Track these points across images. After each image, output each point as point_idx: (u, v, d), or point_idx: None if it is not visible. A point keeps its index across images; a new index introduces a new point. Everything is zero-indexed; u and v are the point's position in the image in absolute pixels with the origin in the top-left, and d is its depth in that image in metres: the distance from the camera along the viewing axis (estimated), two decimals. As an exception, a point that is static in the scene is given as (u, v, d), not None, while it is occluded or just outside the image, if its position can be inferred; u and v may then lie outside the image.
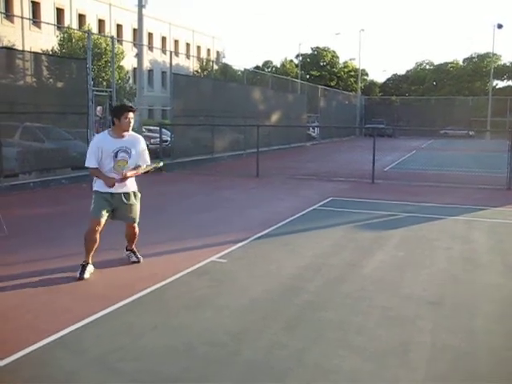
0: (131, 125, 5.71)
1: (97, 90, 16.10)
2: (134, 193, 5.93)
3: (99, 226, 5.69)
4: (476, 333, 4.44)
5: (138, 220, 6.00)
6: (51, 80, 15.22)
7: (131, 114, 5.66)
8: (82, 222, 8.66)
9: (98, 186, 5.76)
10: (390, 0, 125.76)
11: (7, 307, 4.81)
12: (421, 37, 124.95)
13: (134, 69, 36.87)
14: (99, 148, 5.67)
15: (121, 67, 34.24)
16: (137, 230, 6.08)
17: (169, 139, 19.05)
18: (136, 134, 5.94)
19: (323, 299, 5.17)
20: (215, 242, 7.29)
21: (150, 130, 22.02)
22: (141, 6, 19.07)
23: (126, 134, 5.73)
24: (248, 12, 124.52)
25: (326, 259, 6.62)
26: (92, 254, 5.77)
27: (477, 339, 4.31)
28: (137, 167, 5.84)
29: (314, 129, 36.53)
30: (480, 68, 65.22)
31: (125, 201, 5.81)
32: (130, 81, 39.74)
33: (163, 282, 5.52)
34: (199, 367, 3.73)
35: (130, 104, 5.94)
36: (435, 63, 72.82)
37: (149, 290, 5.28)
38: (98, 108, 16.82)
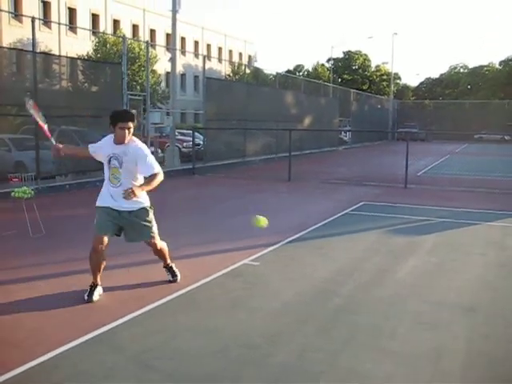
0: (127, 137, 5.02)
1: (131, 94, 16.36)
2: (141, 209, 5.19)
3: (101, 243, 5.09)
4: (512, 340, 4.38)
5: (154, 235, 5.32)
6: (86, 84, 15.55)
7: (129, 124, 4.99)
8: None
9: (98, 200, 5.25)
10: (424, 3, 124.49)
11: (46, 305, 4.94)
12: (455, 40, 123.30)
13: (167, 73, 37.30)
14: (102, 145, 5.27)
15: (154, 71, 34.67)
16: (159, 245, 5.43)
17: (201, 143, 19.23)
18: (136, 143, 5.15)
19: (356, 303, 5.16)
20: (248, 244, 7.34)
21: (182, 134, 22.24)
22: (175, 11, 19.29)
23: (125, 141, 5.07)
24: (279, 16, 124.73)
25: (358, 263, 6.61)
26: (99, 274, 5.21)
27: (513, 346, 4.25)
28: (146, 181, 5.07)
29: (345, 133, 36.36)
30: (516, 71, 64.00)
31: (130, 219, 5.16)
32: (163, 84, 40.22)
33: (197, 284, 5.59)
34: (233, 368, 3.77)
35: (131, 111, 5.14)
36: (470, 66, 71.81)
37: (183, 291, 5.36)
38: (133, 111, 17.13)
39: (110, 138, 5.20)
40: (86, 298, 5.04)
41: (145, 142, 15.46)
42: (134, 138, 5.17)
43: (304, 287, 5.61)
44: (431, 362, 3.92)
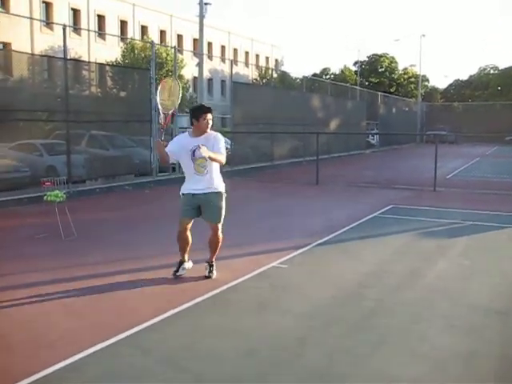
0: (210, 125, 5.76)
1: (159, 99, 16.51)
2: (217, 193, 5.85)
3: (184, 226, 5.86)
4: (546, 344, 4.30)
5: (219, 221, 5.86)
6: (115, 89, 15.75)
7: (209, 115, 5.72)
8: (143, 227, 8.98)
9: (182, 188, 5.92)
10: (451, 4, 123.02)
11: (77, 306, 5.03)
12: (484, 41, 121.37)
13: (195, 78, 37.59)
14: (178, 143, 5.86)
15: (181, 76, 34.94)
16: (219, 234, 5.91)
17: (229, 147, 19.32)
18: (214, 132, 5.87)
19: (385, 306, 5.13)
20: (276, 247, 7.34)
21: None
22: (202, 16, 19.49)
23: (204, 133, 5.75)
24: (306, 19, 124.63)
25: (387, 266, 6.56)
26: (186, 252, 5.99)
27: (547, 351, 4.17)
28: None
29: (373, 136, 36.09)
30: (548, 71, 62.75)
31: (205, 200, 5.79)
32: (190, 89, 40.50)
33: (226, 286, 5.62)
34: (262, 369, 3.78)
35: (207, 105, 5.90)
36: (500, 68, 70.63)
37: (212, 293, 5.39)
38: (161, 116, 17.29)
39: (183, 135, 6.02)
40: (173, 273, 5.87)
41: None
42: (212, 131, 5.85)
43: (333, 290, 5.59)
44: (462, 366, 3.87)
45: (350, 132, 29.34)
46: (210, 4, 23.26)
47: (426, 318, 4.83)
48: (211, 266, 5.97)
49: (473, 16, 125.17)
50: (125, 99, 15.51)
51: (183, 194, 5.92)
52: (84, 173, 13.50)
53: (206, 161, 5.68)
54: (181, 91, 6.13)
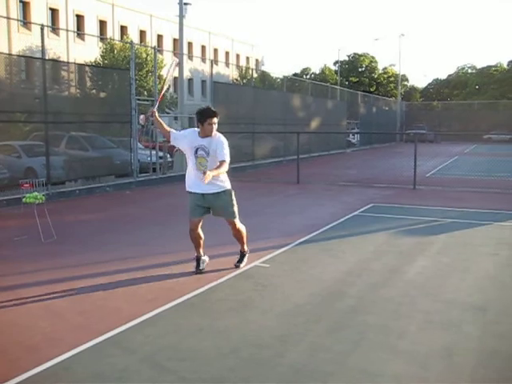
0: (214, 129, 5.85)
1: (139, 99, 16.45)
2: (224, 191, 6.00)
3: (195, 224, 5.98)
4: (523, 338, 4.37)
5: (235, 216, 6.09)
6: (95, 90, 15.63)
7: (215, 119, 5.81)
8: (123, 229, 8.94)
9: (187, 185, 6.00)
10: (430, 4, 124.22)
11: (60, 308, 5.00)
12: (462, 40, 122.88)
13: (175, 78, 37.46)
14: (186, 136, 5.98)
15: (161, 76, 34.78)
16: (238, 226, 6.16)
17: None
18: (218, 135, 5.96)
19: (365, 303, 5.17)
20: (258, 247, 7.35)
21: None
22: (182, 16, 19.41)
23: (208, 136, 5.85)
24: (286, 19, 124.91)
25: (368, 264, 6.62)
26: (200, 248, 6.12)
27: (524, 345, 4.25)
28: (217, 166, 5.75)
29: (353, 135, 36.32)
30: (525, 71, 63.73)
31: (216, 200, 5.95)
32: (171, 89, 40.34)
33: (208, 285, 5.64)
34: (244, 368, 3.80)
35: (212, 109, 5.99)
36: (478, 67, 71.51)
37: (195, 292, 5.41)
38: (141, 116, 17.16)
39: (193, 131, 6.01)
40: (195, 270, 6.02)
41: (153, 148, 15.54)
42: (216, 132, 5.92)
43: (314, 288, 5.63)
44: (442, 361, 3.93)
45: (331, 131, 29.49)
46: (190, 4, 23.30)
47: (406, 314, 4.88)
48: (243, 255, 6.37)
49: (451, 16, 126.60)
50: (104, 100, 15.40)
51: (191, 193, 6.00)
52: (63, 174, 13.38)
53: (206, 161, 5.79)
54: (172, 67, 6.45)
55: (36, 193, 7.93)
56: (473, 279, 6.00)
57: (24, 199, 7.81)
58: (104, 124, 14.69)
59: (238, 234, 6.25)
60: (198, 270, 6.06)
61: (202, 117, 5.79)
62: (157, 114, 5.99)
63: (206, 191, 5.88)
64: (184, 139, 5.97)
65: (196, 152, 5.83)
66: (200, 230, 6.09)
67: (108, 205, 11.89)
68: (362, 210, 10.75)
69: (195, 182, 5.87)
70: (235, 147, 19.99)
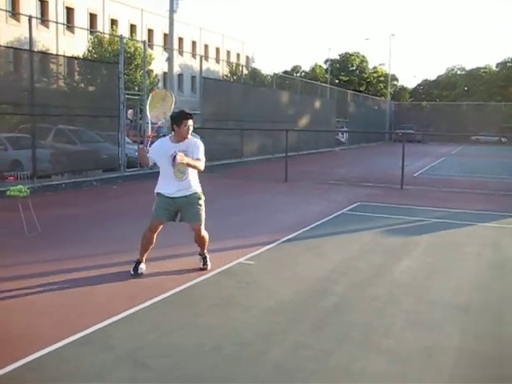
0: (190, 132, 5.80)
1: (128, 94, 16.35)
2: (196, 194, 5.92)
3: (155, 228, 5.83)
4: (505, 339, 4.40)
5: (201, 222, 5.94)
6: (83, 83, 15.52)
7: (190, 122, 5.76)
8: (109, 223, 8.89)
9: (159, 187, 5.89)
10: (421, 5, 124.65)
11: (38, 304, 4.94)
12: (452, 42, 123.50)
13: (165, 73, 37.30)
14: (160, 148, 5.84)
15: (150, 71, 34.58)
16: (203, 233, 6.00)
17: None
18: (194, 138, 5.94)
19: (350, 302, 5.18)
20: (243, 244, 7.34)
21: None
22: (172, 11, 19.32)
23: (185, 139, 5.80)
24: (278, 17, 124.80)
25: (353, 263, 6.62)
26: (146, 253, 5.94)
27: (506, 346, 4.27)
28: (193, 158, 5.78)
29: (342, 134, 36.38)
30: (514, 73, 64.17)
31: (186, 202, 5.84)
32: (160, 85, 40.16)
33: (191, 282, 5.60)
34: (226, 366, 3.78)
35: (188, 111, 5.90)
36: (467, 68, 71.90)
37: (177, 289, 5.37)
38: (129, 111, 17.14)
39: (163, 140, 5.96)
40: (131, 272, 5.80)
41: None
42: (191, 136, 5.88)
43: (298, 286, 5.62)
44: (424, 360, 3.93)
45: (320, 129, 29.51)
46: (181, -1, 23.11)
47: (390, 313, 4.89)
48: (204, 258, 6.14)
49: (441, 17, 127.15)
50: (93, 93, 15.29)
51: (159, 194, 5.86)
52: (50, 167, 13.27)
53: (185, 167, 5.71)
54: (173, 106, 6.13)
55: (21, 186, 7.85)
56: (456, 280, 6.02)
57: (8, 192, 7.72)
58: (92, 118, 14.58)
59: (201, 240, 6.05)
60: (135, 273, 5.80)
61: (178, 119, 5.74)
62: (145, 153, 5.82)
63: (178, 194, 5.78)
64: (158, 153, 5.80)
65: (173, 160, 5.64)
66: (155, 236, 5.89)
67: (94, 199, 11.80)
68: (349, 208, 10.77)
69: (168, 185, 5.79)
70: (224, 144, 20.03)
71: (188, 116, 5.79)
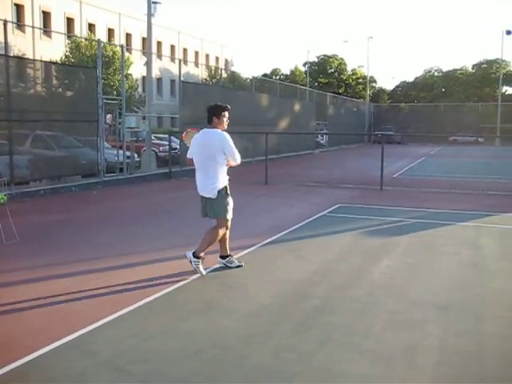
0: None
1: (106, 98, 16.23)
2: (218, 191, 6.16)
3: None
4: (485, 337, 4.44)
5: (219, 216, 6.18)
6: (61, 88, 15.37)
7: (227, 114, 6.22)
8: (89, 229, 8.80)
9: (223, 185, 6.36)
10: (399, 7, 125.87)
11: (19, 311, 4.87)
12: (429, 44, 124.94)
13: (143, 77, 37.10)
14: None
15: (129, 75, 34.39)
16: (218, 230, 6.16)
17: (178, 147, 19.15)
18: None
19: (331, 304, 5.19)
20: (224, 247, 7.31)
21: (159, 138, 22.12)
22: (150, 14, 19.22)
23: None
24: (256, 20, 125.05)
25: (334, 265, 6.65)
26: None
27: (486, 343, 4.31)
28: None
29: (322, 136, 36.54)
30: (489, 74, 65.17)
31: (206, 198, 6.20)
32: (139, 89, 39.97)
33: (173, 287, 5.57)
34: (208, 370, 3.76)
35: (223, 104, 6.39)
36: (444, 70, 72.75)
37: (159, 294, 5.34)
38: (108, 116, 16.96)
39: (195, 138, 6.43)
40: (238, 265, 6.35)
41: (120, 147, 15.31)
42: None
43: (280, 289, 5.62)
44: (405, 360, 3.96)
45: (300, 132, 29.61)
46: (159, 3, 23.03)
47: (371, 314, 4.92)
48: (198, 258, 6.02)
49: (418, 19, 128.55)
50: (71, 98, 15.14)
51: (226, 190, 6.31)
52: (28, 174, 13.11)
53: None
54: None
55: (-3, 192, 7.74)
56: (436, 279, 6.08)
57: (-15, 199, 7.61)
58: (70, 123, 14.43)
59: (210, 234, 6.10)
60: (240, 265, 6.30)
61: (219, 111, 6.27)
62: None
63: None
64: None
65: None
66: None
67: (73, 205, 11.68)
68: (330, 210, 10.81)
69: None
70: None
71: (227, 108, 6.25)
